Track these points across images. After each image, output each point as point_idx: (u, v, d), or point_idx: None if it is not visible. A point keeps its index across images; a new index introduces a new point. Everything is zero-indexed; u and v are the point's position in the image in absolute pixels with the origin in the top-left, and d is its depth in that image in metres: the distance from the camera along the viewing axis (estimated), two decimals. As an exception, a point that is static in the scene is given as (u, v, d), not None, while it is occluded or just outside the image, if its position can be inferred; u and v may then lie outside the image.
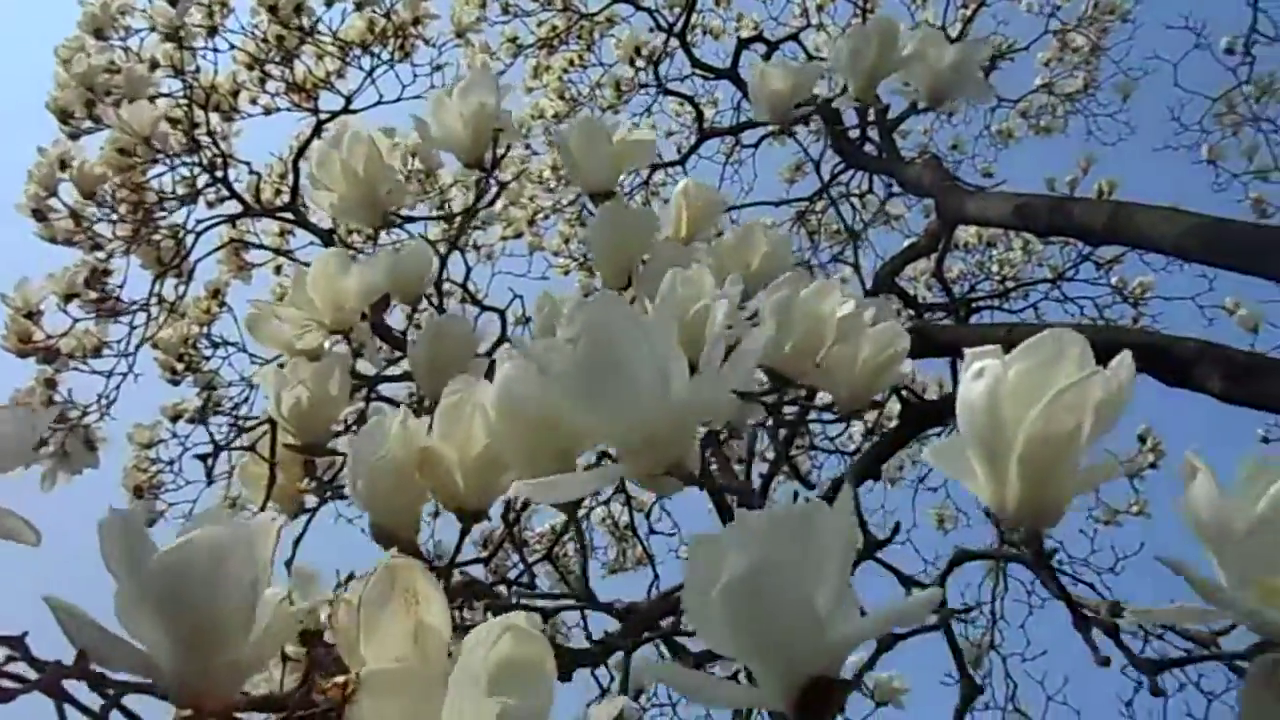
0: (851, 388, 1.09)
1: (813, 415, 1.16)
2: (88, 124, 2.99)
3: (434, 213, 2.64)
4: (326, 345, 1.39)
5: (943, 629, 0.89)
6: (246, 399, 3.37)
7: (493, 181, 1.38)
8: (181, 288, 3.18)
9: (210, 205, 3.51)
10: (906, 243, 4.08)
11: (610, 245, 1.29)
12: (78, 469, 2.79)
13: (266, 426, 1.33)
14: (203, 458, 1.60)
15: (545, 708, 0.50)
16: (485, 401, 0.82)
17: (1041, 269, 4.36)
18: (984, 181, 4.63)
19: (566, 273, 4.29)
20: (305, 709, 0.52)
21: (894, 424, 2.02)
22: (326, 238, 3.47)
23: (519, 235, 4.21)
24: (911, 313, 4.28)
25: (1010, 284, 4.29)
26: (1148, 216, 2.36)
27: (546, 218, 4.29)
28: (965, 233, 4.62)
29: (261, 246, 3.58)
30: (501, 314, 1.91)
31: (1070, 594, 0.67)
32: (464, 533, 0.95)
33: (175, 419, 3.23)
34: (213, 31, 3.27)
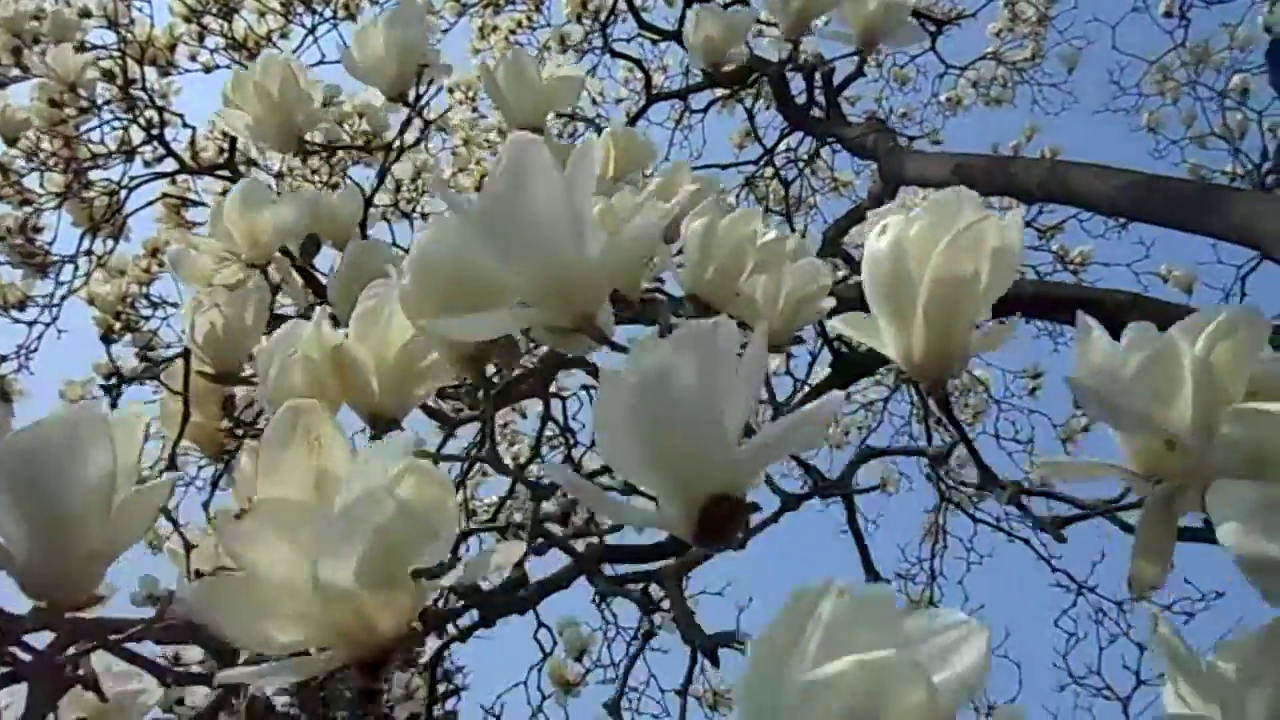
0: (773, 321, 1.10)
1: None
2: (15, 72, 2.91)
3: (357, 146, 2.59)
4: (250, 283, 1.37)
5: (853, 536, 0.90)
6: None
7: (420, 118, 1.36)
8: (110, 243, 3.11)
9: (148, 164, 3.44)
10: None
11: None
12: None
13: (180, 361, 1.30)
14: (106, 389, 1.56)
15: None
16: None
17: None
18: (932, 149, 4.68)
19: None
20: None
21: (826, 374, 2.05)
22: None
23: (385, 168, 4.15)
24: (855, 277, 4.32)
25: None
26: (1082, 174, 2.40)
27: (480, 164, 4.25)
28: (915, 200, 4.65)
29: (199, 204, 3.51)
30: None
31: (978, 452, 0.68)
32: (374, 440, 0.93)
33: (109, 378, 3.17)
34: (148, -18, 3.19)
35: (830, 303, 1.20)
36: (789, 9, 1.49)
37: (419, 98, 1.31)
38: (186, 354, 1.31)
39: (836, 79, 3.88)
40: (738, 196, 4.53)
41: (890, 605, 0.38)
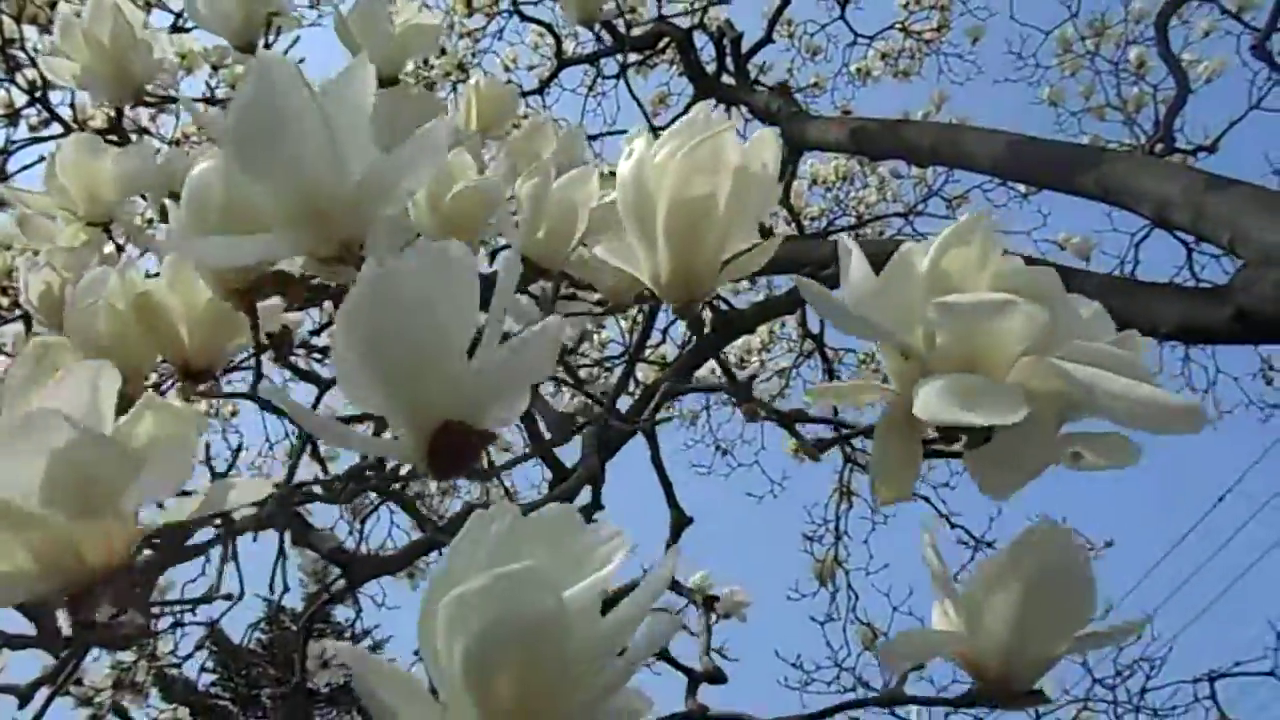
0: (615, 280, 1.09)
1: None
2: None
3: (202, 99, 2.49)
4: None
5: (655, 470, 0.91)
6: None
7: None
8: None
9: (33, 129, 3.30)
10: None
11: (389, 132, 1.24)
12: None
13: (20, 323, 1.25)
14: None
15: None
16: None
17: (895, 205, 4.48)
18: (841, 118, 4.72)
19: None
20: None
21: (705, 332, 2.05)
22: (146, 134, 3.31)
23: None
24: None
25: (865, 219, 4.39)
26: (969, 136, 2.44)
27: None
28: (824, 169, 4.70)
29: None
30: None
31: (741, 383, 0.69)
32: (187, 395, 0.90)
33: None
34: (23, -65, 3.04)
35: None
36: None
37: (268, 47, 1.27)
38: (27, 317, 1.27)
39: (745, 46, 3.90)
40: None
41: (565, 524, 0.38)
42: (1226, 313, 1.65)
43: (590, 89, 4.53)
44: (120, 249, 1.32)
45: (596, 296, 1.20)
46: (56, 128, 3.32)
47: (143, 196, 1.34)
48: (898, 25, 4.66)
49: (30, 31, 3.22)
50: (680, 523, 0.81)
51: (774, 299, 2.30)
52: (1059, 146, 2.23)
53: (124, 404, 0.87)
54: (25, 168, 3.07)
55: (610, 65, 4.30)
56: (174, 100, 1.33)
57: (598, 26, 4.49)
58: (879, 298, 0.52)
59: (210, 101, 2.53)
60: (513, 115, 1.46)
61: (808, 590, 3.55)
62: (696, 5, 3.58)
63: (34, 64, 3.17)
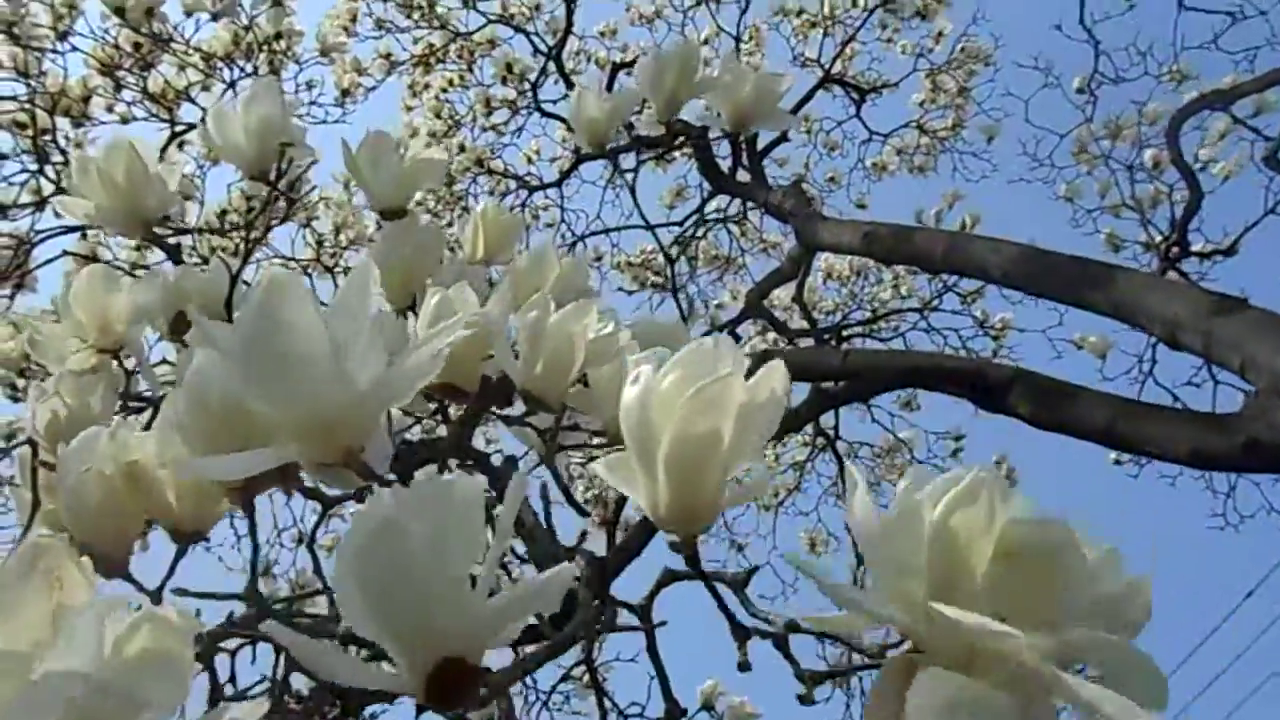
0: (615, 413, 1.08)
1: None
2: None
3: (211, 230, 2.58)
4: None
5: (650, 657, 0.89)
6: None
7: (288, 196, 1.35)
8: (5, 301, 3.03)
9: (59, 216, 3.37)
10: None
11: (395, 263, 1.26)
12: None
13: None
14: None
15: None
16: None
17: (910, 300, 4.49)
18: (858, 213, 4.77)
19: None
20: None
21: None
22: (174, 254, 3.36)
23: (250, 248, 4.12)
24: (780, 338, 4.36)
25: (880, 314, 4.40)
26: (979, 246, 2.44)
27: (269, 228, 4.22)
28: (839, 265, 4.73)
29: (109, 264, 3.45)
30: None
31: (727, 606, 0.68)
32: (178, 555, 0.90)
33: (9, 439, 3.07)
34: (62, 35, 3.15)
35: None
36: (659, 92, 1.50)
37: (279, 176, 1.29)
38: (33, 443, 1.27)
39: (761, 143, 3.95)
40: (666, 256, 4.56)
41: None
42: (1238, 441, 1.62)
43: (609, 180, 4.61)
44: (129, 375, 1.33)
45: (596, 426, 1.20)
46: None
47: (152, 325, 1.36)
48: (913, 123, 4.73)
49: (62, 123, 3.32)
50: (674, 716, 0.80)
51: (790, 415, 2.28)
52: (1069, 261, 2.23)
53: (112, 569, 0.88)
54: (48, 262, 3.15)
55: (628, 159, 4.38)
56: (187, 232, 1.36)
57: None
58: (884, 544, 0.51)
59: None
60: (518, 242, 1.48)
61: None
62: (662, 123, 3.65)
63: (64, 154, 3.28)
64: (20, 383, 3.47)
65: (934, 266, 2.77)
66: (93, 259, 3.57)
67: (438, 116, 4.41)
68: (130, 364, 1.29)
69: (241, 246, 3.50)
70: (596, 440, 1.15)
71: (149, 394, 1.37)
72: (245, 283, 1.41)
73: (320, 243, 3.95)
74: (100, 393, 1.20)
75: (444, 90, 4.50)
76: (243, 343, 0.59)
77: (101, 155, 1.19)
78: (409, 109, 4.59)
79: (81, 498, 0.83)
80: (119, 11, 2.88)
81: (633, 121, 4.30)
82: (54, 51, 3.13)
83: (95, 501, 0.83)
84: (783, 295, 4.31)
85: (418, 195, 1.31)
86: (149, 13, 2.95)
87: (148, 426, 0.90)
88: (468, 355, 1.06)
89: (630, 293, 4.74)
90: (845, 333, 4.11)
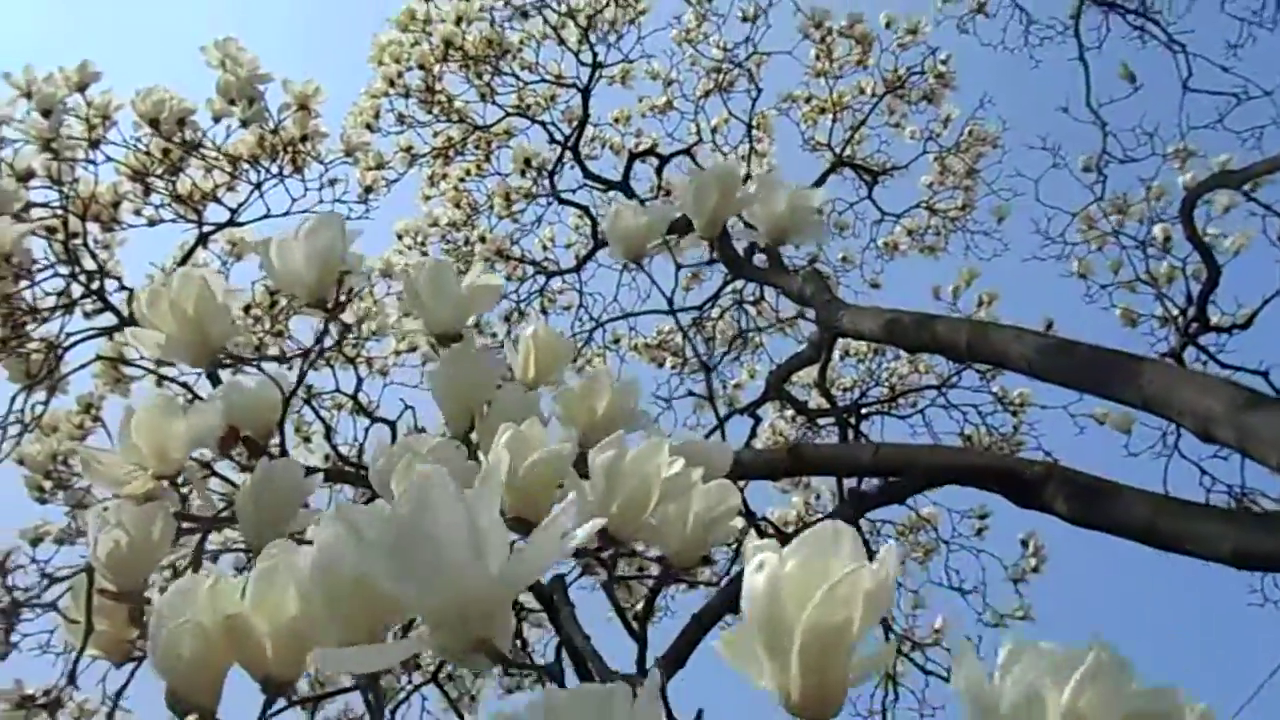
0: (682, 544, 1.10)
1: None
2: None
3: (272, 358, 2.63)
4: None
5: None
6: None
7: (339, 322, 1.37)
8: (40, 406, 3.06)
9: (87, 316, 3.42)
10: (793, 350, 4.20)
11: (452, 390, 1.29)
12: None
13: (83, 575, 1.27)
14: (3, 612, 1.51)
15: None
16: (300, 566, 0.81)
17: (928, 377, 4.51)
18: (871, 292, 4.82)
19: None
20: None
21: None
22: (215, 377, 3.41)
23: (414, 349, 4.19)
24: (804, 419, 4.37)
25: (898, 391, 4.42)
26: (1001, 336, 2.47)
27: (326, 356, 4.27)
28: (855, 342, 4.76)
29: (129, 363, 3.49)
30: (392, 426, 1.89)
31: None
32: (268, 704, 0.91)
33: (36, 543, 3.08)
34: (95, 144, 3.23)
35: (739, 523, 1.21)
36: (702, 211, 1.54)
37: (340, 305, 1.32)
38: (90, 570, 1.28)
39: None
40: (686, 337, 4.60)
41: None
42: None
43: (625, 266, 4.66)
44: (184, 500, 1.35)
45: (655, 554, 1.21)
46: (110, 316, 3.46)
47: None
48: (923, 204, 4.81)
49: (91, 227, 3.39)
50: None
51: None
52: (1093, 352, 2.25)
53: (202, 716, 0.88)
54: (86, 364, 3.19)
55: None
56: (247, 361, 1.39)
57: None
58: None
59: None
60: (568, 360, 1.50)
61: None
62: (705, 239, 3.72)
63: (94, 257, 3.34)
64: (47, 485, 3.50)
65: (958, 355, 2.80)
66: (121, 360, 3.62)
67: (457, 206, 4.49)
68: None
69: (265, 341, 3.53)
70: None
71: (201, 515, 1.39)
72: (305, 396, 1.43)
73: (344, 333, 3.99)
74: (160, 522, 1.22)
75: (461, 179, 4.59)
76: (393, 533, 0.62)
77: (174, 286, 1.22)
78: (427, 198, 4.68)
79: (176, 647, 0.84)
80: (153, 123, 2.96)
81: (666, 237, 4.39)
82: (87, 161, 3.21)
83: (190, 652, 0.84)
84: (801, 373, 4.34)
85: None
86: (181, 122, 3.03)
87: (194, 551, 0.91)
88: (541, 486, 1.07)
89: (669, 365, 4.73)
90: (864, 410, 4.12)
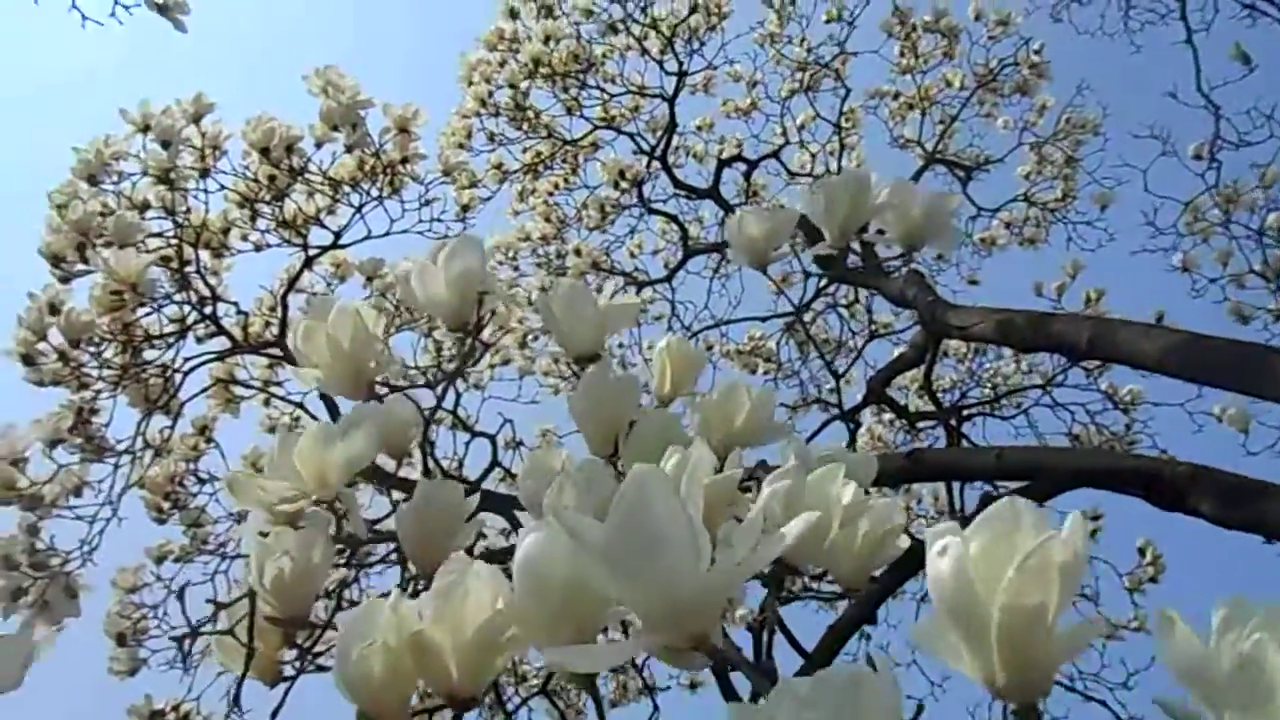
0: (852, 565, 1.09)
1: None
2: (79, 267, 3.03)
3: (420, 374, 2.67)
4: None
5: None
6: (234, 536, 3.33)
7: (479, 343, 1.39)
8: (167, 430, 3.16)
9: (199, 341, 3.53)
10: (895, 352, 4.13)
11: (595, 413, 1.28)
12: (59, 619, 2.72)
13: (245, 603, 1.30)
14: (178, 640, 1.56)
15: None
16: (479, 583, 0.82)
17: (1032, 375, 4.38)
18: (969, 289, 4.71)
19: (557, 392, 4.29)
20: None
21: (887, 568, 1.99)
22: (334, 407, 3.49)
23: (507, 362, 4.23)
24: (903, 422, 4.29)
25: (1001, 391, 4.30)
26: (1128, 333, 2.38)
27: (536, 338, 4.31)
28: (954, 342, 4.66)
29: (247, 385, 3.59)
30: (492, 440, 1.90)
31: None
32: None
33: (160, 560, 3.18)
34: (205, 173, 3.33)
35: (905, 541, 1.19)
36: (833, 220, 1.52)
37: (480, 325, 1.34)
38: (252, 595, 1.31)
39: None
40: (777, 344, 4.57)
41: None
42: None
43: (715, 272, 4.65)
44: (340, 523, 1.37)
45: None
46: (222, 340, 3.56)
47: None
48: (1020, 196, 4.69)
49: (202, 254, 3.50)
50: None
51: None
52: (1230, 347, 2.15)
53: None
54: (205, 389, 3.29)
55: (734, 250, 4.42)
56: (400, 389, 1.41)
57: (720, 214, 4.66)
58: (1230, 692, 0.51)
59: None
60: (701, 370, 1.49)
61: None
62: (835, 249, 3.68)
63: (206, 283, 3.45)
64: (165, 505, 3.62)
65: (1077, 354, 2.71)
66: (232, 381, 3.72)
67: (547, 220, 4.53)
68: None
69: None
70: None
71: (354, 538, 1.41)
72: (453, 414, 1.45)
73: (439, 350, 4.05)
74: (320, 547, 1.24)
75: (550, 194, 4.62)
76: (614, 536, 0.63)
77: (331, 321, 1.24)
78: (516, 213, 4.72)
79: (365, 670, 0.85)
80: (263, 150, 3.04)
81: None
82: (198, 190, 3.31)
83: (379, 674, 0.85)
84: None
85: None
86: (289, 149, 3.11)
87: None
88: (714, 511, 1.06)
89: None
90: (965, 412, 4.02)
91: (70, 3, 2.97)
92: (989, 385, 4.47)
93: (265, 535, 1.29)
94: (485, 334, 1.50)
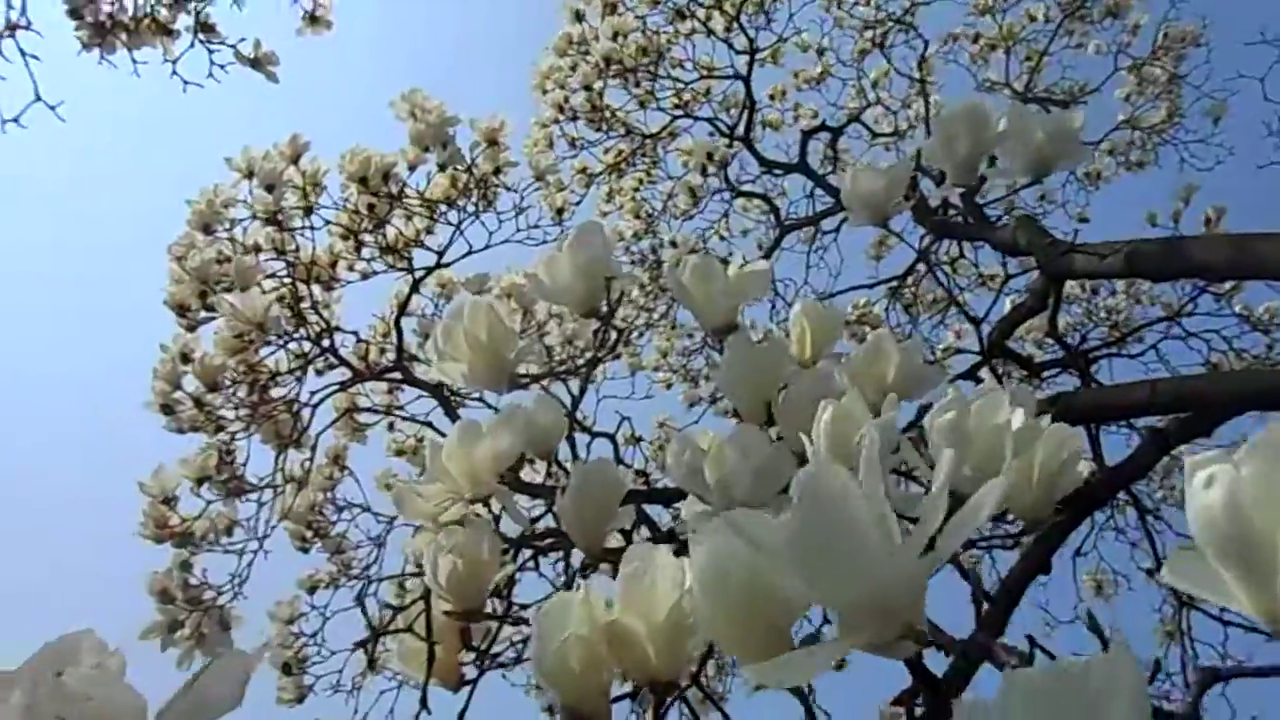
0: (1033, 498, 1.04)
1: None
2: (203, 314, 3.15)
3: (553, 365, 2.69)
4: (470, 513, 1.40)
5: None
6: (376, 559, 3.42)
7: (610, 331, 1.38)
8: (307, 461, 3.27)
9: (319, 374, 3.63)
10: (1008, 303, 3.99)
11: (745, 382, 1.27)
12: (213, 651, 2.83)
13: (420, 604, 1.32)
14: (361, 644, 1.60)
15: None
16: (665, 569, 0.81)
17: (1155, 308, 4.19)
18: (1079, 227, 4.53)
19: (669, 386, 4.28)
20: None
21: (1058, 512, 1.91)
22: (435, 392, 3.55)
23: (617, 358, 4.25)
24: (1028, 374, 4.14)
25: (1124, 329, 4.12)
26: (1269, 246, 2.25)
27: (640, 335, 4.32)
28: (1068, 285, 4.48)
29: (372, 410, 3.68)
30: (613, 439, 1.91)
31: None
32: (659, 706, 0.91)
33: (312, 590, 3.28)
34: (308, 211, 3.42)
35: (1085, 468, 1.13)
36: (954, 157, 1.46)
37: (612, 311, 1.33)
38: (426, 595, 1.34)
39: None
40: (886, 310, 4.47)
41: None
42: None
43: (811, 243, 4.58)
44: (498, 519, 1.38)
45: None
46: (341, 371, 3.66)
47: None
48: (1123, 123, 4.49)
49: (315, 289, 3.60)
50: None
51: (1128, 464, 2.09)
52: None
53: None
54: (334, 421, 3.38)
55: (830, 222, 4.35)
56: (540, 379, 1.41)
57: (809, 186, 4.59)
58: None
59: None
60: (840, 333, 1.46)
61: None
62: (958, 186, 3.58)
63: (321, 317, 3.55)
64: (308, 534, 3.73)
65: (1217, 276, 2.58)
66: (356, 409, 3.82)
67: (636, 216, 4.52)
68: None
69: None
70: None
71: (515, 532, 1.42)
72: (570, 416, 1.45)
73: (550, 355, 4.09)
74: (488, 542, 1.26)
75: (635, 189, 4.62)
76: (799, 537, 0.60)
77: (466, 318, 1.26)
78: (604, 214, 4.74)
79: (565, 662, 0.85)
80: (361, 180, 3.11)
81: (828, 179, 4.29)
82: (303, 227, 3.40)
83: (578, 665, 0.85)
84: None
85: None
86: (386, 176, 3.17)
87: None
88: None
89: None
90: (1090, 356, 3.87)
91: (170, 70, 3.11)
92: (1110, 325, 4.29)
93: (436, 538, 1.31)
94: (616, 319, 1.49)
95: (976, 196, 3.48)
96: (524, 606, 1.51)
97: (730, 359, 1.26)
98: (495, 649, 1.47)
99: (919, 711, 0.78)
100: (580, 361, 3.25)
